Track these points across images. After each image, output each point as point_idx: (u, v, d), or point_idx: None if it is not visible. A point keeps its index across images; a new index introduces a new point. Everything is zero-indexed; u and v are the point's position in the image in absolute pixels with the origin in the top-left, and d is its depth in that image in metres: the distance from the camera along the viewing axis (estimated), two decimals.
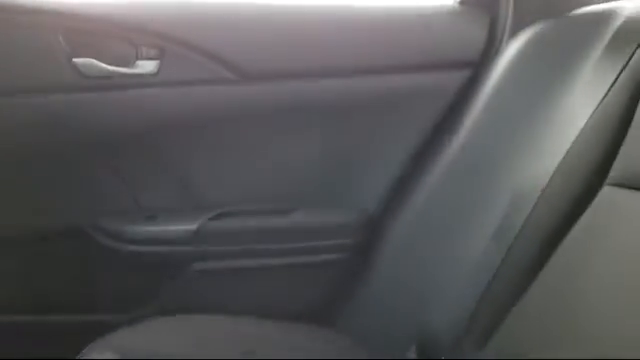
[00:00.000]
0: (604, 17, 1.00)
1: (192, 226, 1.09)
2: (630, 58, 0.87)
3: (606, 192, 0.80)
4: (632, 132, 0.82)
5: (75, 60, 1.04)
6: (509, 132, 1.01)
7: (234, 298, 1.09)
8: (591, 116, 0.88)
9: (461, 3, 1.15)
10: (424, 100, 1.12)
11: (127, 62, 1.06)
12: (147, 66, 1.06)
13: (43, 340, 0.93)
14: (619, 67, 0.89)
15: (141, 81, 1.06)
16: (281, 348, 0.98)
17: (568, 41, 1.03)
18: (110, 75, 1.05)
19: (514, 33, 1.10)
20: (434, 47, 1.12)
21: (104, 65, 1.05)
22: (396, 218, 1.12)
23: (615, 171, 0.81)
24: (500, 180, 0.97)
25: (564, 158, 0.87)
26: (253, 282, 1.12)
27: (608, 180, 0.81)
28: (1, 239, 1.04)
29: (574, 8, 1.07)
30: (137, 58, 1.06)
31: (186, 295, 1.09)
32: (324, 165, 1.14)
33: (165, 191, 1.11)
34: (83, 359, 0.86)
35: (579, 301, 0.74)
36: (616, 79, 0.88)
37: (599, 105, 0.88)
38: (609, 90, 0.89)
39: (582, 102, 0.93)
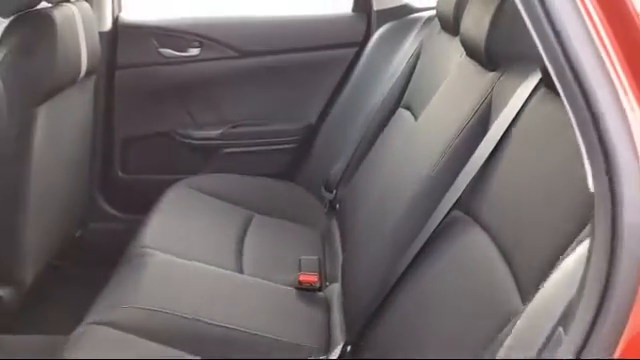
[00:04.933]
0: (415, 20, 2.02)
1: (220, 131, 2.17)
2: (420, 44, 1.89)
3: (399, 112, 1.83)
4: (412, 79, 1.84)
5: (160, 49, 2.10)
6: (369, 82, 2.04)
7: (241, 165, 2.15)
8: (402, 72, 1.90)
9: (353, 11, 2.17)
10: (334, 63, 2.15)
11: (184, 49, 2.11)
12: (194, 52, 2.12)
13: (153, 189, 2.00)
14: (416, 46, 1.91)
15: (191, 59, 2.12)
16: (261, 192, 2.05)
17: (399, 33, 2.05)
18: (177, 57, 2.10)
19: (377, 27, 2.12)
20: (339, 34, 2.16)
21: (173, 51, 2.10)
22: (322, 124, 2.17)
23: (404, 99, 1.85)
24: (363, 105, 2.01)
25: (386, 93, 1.90)
26: (252, 158, 2.18)
27: (401, 105, 1.84)
28: (132, 137, 2.14)
29: (405, 15, 2.09)
30: (189, 47, 2.11)
31: (219, 164, 2.16)
32: (285, 99, 2.19)
33: (207, 113, 2.18)
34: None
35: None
36: (413, 51, 1.90)
37: (406, 64, 1.90)
38: (411, 56, 1.90)
39: (398, 63, 1.95)
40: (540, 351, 0.49)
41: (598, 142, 0.47)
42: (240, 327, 1.31)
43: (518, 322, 0.56)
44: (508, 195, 1.00)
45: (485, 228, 1.02)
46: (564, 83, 0.48)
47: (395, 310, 1.14)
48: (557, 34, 0.49)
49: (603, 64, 0.47)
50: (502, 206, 1.00)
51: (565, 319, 0.50)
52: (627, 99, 0.48)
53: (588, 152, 0.49)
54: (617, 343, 0.47)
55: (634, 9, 0.49)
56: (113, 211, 2.16)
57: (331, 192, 1.97)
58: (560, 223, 0.81)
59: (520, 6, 0.51)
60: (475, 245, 1.03)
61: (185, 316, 1.29)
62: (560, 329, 0.50)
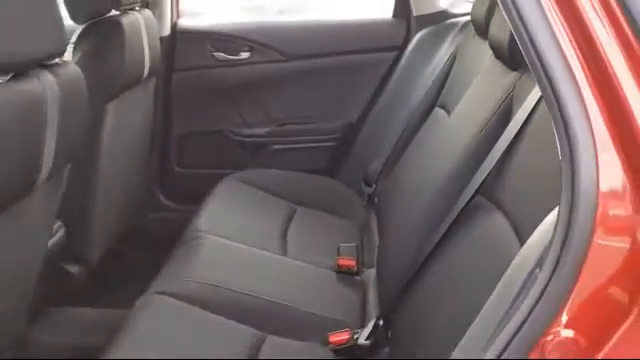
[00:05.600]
0: (452, 25, 2.14)
1: (268, 129, 2.33)
2: (456, 48, 2.01)
3: (435, 111, 1.95)
4: (448, 80, 1.96)
5: (214, 53, 2.27)
6: (408, 83, 2.17)
7: (287, 161, 2.31)
8: (438, 73, 2.03)
9: (393, 16, 2.30)
10: (375, 66, 2.28)
11: (236, 53, 2.28)
12: (244, 55, 2.28)
13: (206, 183, 2.17)
14: (452, 50, 2.03)
15: (242, 62, 2.29)
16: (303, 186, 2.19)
17: (437, 38, 2.17)
18: (229, 60, 2.27)
19: (417, 32, 2.24)
20: (380, 38, 2.29)
21: (226, 55, 2.27)
22: (363, 123, 2.30)
23: (440, 99, 1.96)
24: (402, 105, 2.14)
25: (424, 94, 2.03)
26: (297, 154, 2.34)
27: (437, 104, 1.96)
28: (187, 134, 2.33)
29: (443, 21, 2.21)
30: (240, 51, 2.28)
31: (266, 160, 2.32)
32: (328, 99, 2.33)
33: (256, 113, 2.34)
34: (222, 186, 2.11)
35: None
36: (450, 54, 2.02)
37: (443, 66, 2.03)
38: (447, 59, 2.03)
39: (435, 65, 2.07)
40: (522, 286, 0.63)
41: (561, 120, 0.59)
42: (284, 302, 1.46)
43: (511, 264, 0.69)
44: (524, 183, 1.11)
45: (505, 213, 1.13)
46: (535, 70, 0.61)
47: (423, 286, 1.26)
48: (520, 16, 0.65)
49: (563, 52, 0.59)
50: (519, 193, 1.12)
51: (541, 263, 0.63)
52: (580, 77, 0.60)
53: (556, 128, 0.61)
54: (572, 288, 0.60)
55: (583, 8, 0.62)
56: (169, 202, 2.34)
57: (370, 187, 2.10)
58: None
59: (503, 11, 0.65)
60: (495, 229, 1.14)
61: (238, 290, 1.45)
62: (537, 270, 0.63)
